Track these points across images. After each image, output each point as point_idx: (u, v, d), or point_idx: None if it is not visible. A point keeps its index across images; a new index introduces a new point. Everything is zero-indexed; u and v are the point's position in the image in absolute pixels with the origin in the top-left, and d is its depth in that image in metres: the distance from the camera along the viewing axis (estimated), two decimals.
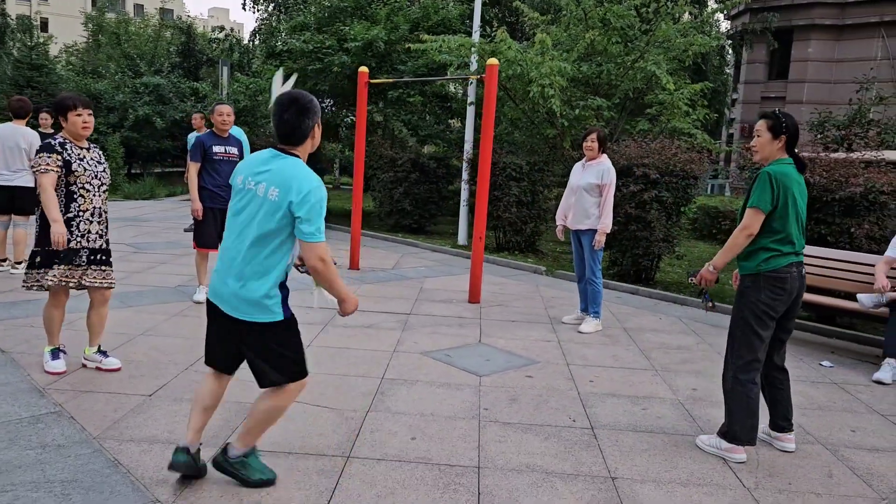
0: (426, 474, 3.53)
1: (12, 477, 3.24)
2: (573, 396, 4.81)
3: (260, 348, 3.08)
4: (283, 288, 3.08)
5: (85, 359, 4.83)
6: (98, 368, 4.78)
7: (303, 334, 5.79)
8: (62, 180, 4.47)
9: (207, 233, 6.69)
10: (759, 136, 3.90)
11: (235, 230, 3.04)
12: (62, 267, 4.50)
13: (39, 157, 4.42)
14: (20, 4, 58.96)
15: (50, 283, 4.47)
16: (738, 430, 3.90)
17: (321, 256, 2.94)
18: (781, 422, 4.13)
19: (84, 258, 4.56)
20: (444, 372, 5.16)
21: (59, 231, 4.36)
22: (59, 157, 4.44)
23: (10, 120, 7.86)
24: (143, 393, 4.40)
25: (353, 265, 9.22)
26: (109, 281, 4.70)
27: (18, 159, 7.74)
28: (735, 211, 12.60)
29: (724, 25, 29.55)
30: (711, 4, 22.64)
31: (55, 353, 4.67)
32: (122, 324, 5.93)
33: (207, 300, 3.18)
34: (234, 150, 6.72)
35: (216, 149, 6.62)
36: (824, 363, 5.98)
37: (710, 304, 4.43)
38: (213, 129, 6.75)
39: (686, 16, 11.86)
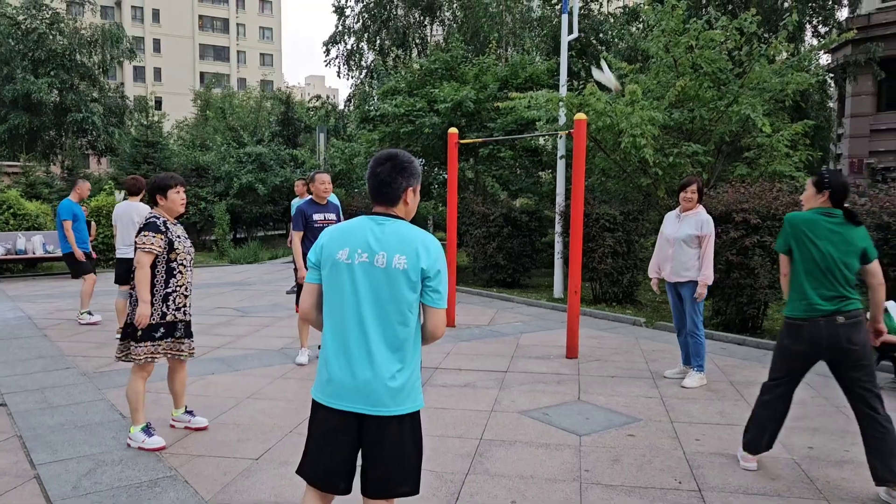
0: None
1: None
2: (678, 456, 4.63)
3: (396, 448, 2.64)
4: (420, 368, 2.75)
5: (174, 420, 5.11)
6: (187, 428, 5.06)
7: None
8: (163, 258, 4.68)
9: None
10: (805, 190, 4.23)
11: (356, 310, 2.63)
12: (168, 340, 4.74)
13: (145, 236, 4.60)
14: (137, 86, 64.04)
15: (157, 356, 4.68)
16: (747, 435, 4.37)
17: (444, 322, 2.75)
18: (888, 475, 3.86)
19: (182, 330, 4.83)
20: (543, 431, 5.09)
21: (144, 313, 4.56)
22: (164, 238, 4.66)
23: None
24: (250, 457, 4.55)
25: (450, 322, 9.28)
26: (193, 349, 4.98)
27: (133, 234, 8.28)
28: None
29: (825, 59, 28.46)
30: (809, 40, 21.94)
31: (149, 431, 4.69)
32: (229, 387, 6.18)
33: (320, 405, 2.70)
34: (332, 216, 7.01)
35: (316, 216, 6.92)
36: None
37: None
38: (313, 196, 7.05)
39: (783, 54, 11.46)
